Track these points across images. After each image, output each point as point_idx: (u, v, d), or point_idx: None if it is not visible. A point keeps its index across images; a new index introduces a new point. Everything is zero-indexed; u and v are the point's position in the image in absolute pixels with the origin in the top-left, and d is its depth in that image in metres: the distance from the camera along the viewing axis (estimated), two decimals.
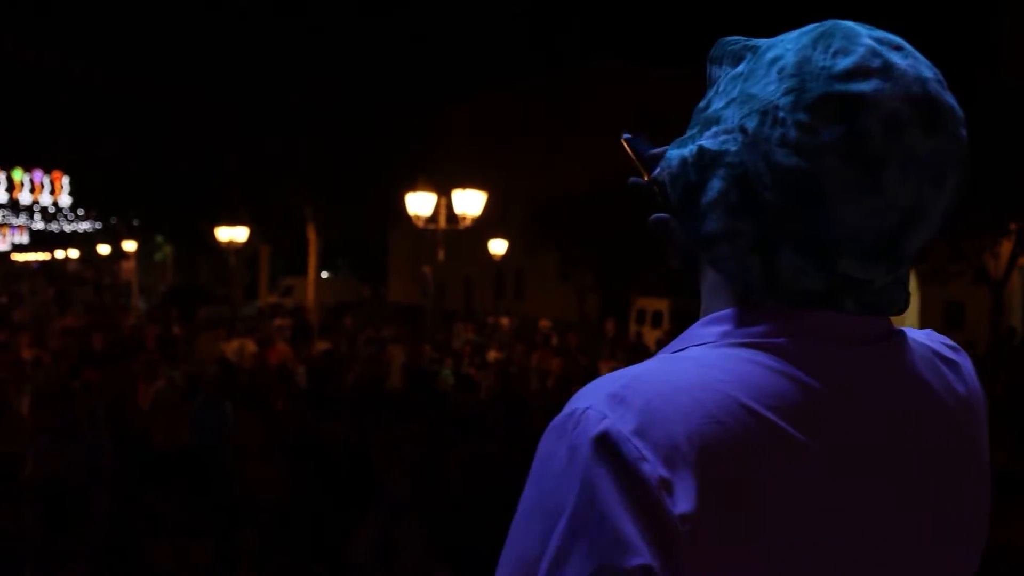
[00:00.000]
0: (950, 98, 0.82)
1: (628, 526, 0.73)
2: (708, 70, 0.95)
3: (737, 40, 0.93)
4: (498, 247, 25.49)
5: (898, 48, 0.82)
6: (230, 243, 24.46)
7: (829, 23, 0.85)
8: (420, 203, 15.68)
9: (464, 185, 15.78)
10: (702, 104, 0.92)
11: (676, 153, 0.90)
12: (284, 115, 22.04)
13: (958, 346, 1.02)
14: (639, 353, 13.17)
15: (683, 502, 0.74)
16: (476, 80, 29.89)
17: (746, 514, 0.76)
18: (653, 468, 0.74)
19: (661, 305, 21.34)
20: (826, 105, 0.79)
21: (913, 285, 25.60)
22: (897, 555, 0.84)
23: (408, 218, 16.29)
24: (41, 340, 13.31)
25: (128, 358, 10.94)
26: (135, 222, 39.17)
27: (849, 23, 0.84)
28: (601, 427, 0.76)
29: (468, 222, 15.81)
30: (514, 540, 0.80)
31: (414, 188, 15.75)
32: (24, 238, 77.66)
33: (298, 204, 23.81)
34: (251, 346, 12.75)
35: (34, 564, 4.24)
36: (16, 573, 4.20)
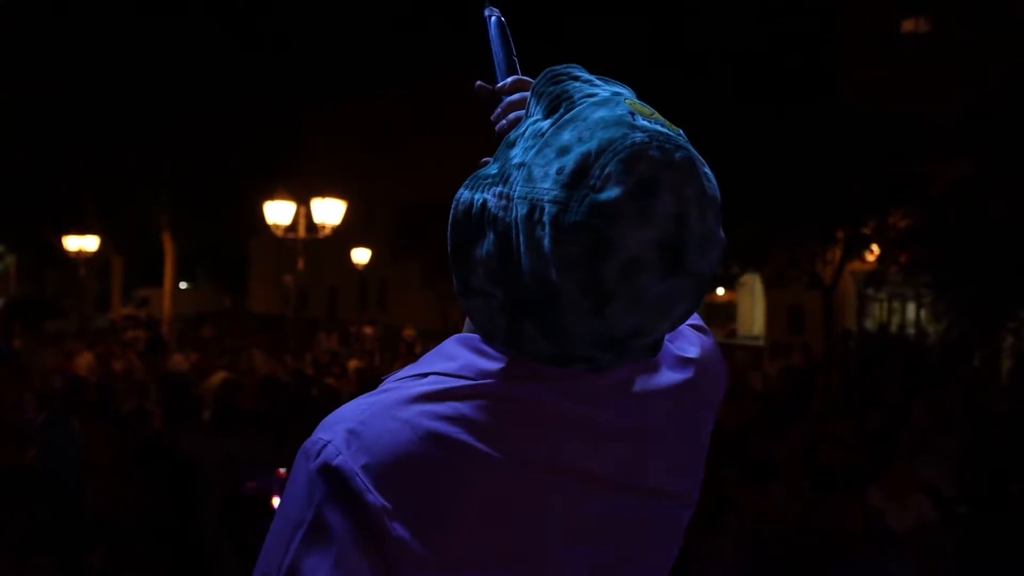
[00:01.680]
0: (709, 226, 0.86)
1: (353, 551, 0.84)
2: (529, 98, 0.97)
3: (561, 77, 0.95)
4: (361, 256, 25.34)
5: (681, 171, 0.85)
6: (79, 252, 23.44)
7: (625, 126, 0.87)
8: (279, 212, 15.49)
9: (324, 194, 15.69)
10: (511, 137, 0.95)
11: (467, 196, 0.96)
12: (138, 120, 21.26)
13: (706, 329, 1.12)
14: None
15: (399, 528, 0.85)
16: (336, 88, 29.61)
17: (453, 536, 0.87)
18: (376, 498, 0.85)
19: None
20: (577, 234, 0.83)
21: (759, 291, 26.92)
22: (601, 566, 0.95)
23: (269, 227, 16.06)
24: None
25: None
26: None
27: (640, 136, 0.86)
28: (336, 463, 0.87)
29: (328, 231, 15.71)
30: (265, 546, 0.91)
31: (273, 197, 15.56)
32: None
33: (153, 213, 22.99)
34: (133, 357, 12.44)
35: None
36: None
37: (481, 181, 0.95)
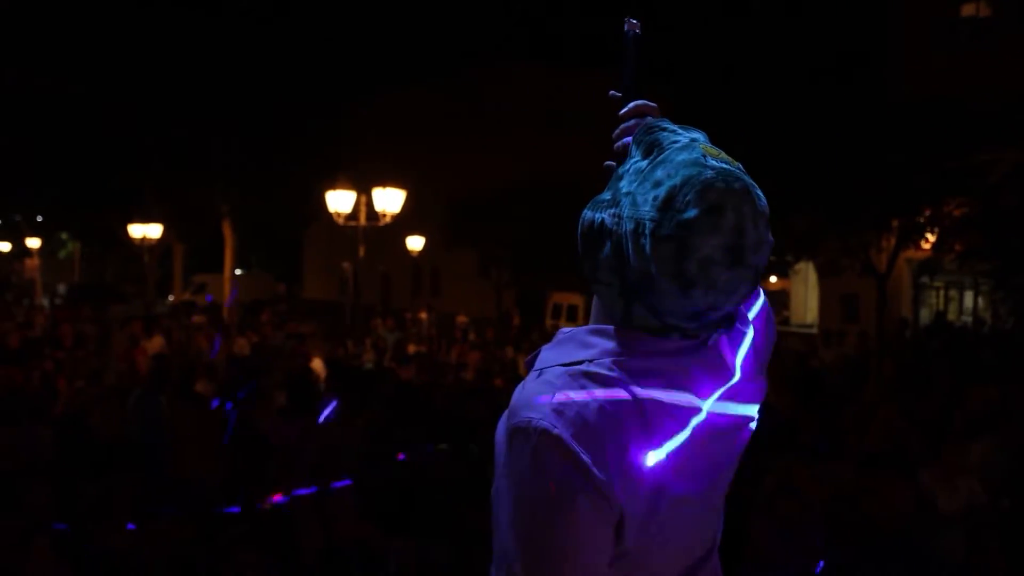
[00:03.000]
0: (760, 233, 1.23)
1: (590, 499, 1.20)
2: (632, 141, 1.36)
3: (654, 129, 1.34)
4: (415, 244, 25.68)
5: (740, 196, 1.22)
6: (144, 240, 24.13)
7: (699, 166, 1.24)
8: (340, 200, 15.84)
9: (384, 183, 16.00)
10: (620, 171, 1.34)
11: (590, 216, 1.34)
12: (200, 110, 21.75)
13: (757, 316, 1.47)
14: None
15: (600, 473, 1.21)
16: (394, 76, 29.92)
17: (628, 469, 1.23)
18: (586, 457, 1.21)
19: (576, 300, 21.93)
20: (668, 242, 1.22)
21: (812, 279, 26.76)
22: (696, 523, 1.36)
23: (325, 215, 16.41)
24: None
25: (44, 356, 10.97)
26: (39, 218, 38.01)
27: (710, 173, 1.23)
28: (556, 433, 1.21)
29: (388, 219, 16.04)
30: (510, 523, 1.23)
31: (334, 185, 15.90)
32: None
33: (214, 201, 23.53)
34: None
35: None
36: None
37: (599, 204, 1.35)
